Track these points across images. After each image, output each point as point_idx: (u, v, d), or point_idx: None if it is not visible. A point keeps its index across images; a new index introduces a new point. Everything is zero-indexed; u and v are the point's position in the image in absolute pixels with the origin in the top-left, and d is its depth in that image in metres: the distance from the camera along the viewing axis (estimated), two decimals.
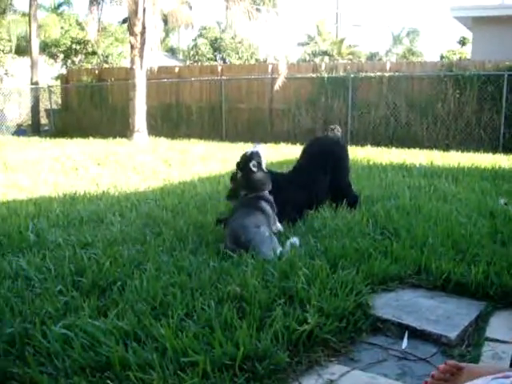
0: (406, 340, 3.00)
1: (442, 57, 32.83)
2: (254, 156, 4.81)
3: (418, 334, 3.07)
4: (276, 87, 17.47)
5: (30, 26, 25.76)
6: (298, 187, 5.63)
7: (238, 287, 3.34)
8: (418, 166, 10.19)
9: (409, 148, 14.60)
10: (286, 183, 5.52)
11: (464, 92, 15.72)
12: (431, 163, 10.68)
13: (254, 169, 4.70)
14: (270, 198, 4.74)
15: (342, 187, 6.10)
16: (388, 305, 3.40)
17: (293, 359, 2.73)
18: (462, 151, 14.14)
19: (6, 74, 27.79)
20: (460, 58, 29.89)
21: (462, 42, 33.27)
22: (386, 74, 16.89)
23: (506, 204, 6.07)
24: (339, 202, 5.88)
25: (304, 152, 6.25)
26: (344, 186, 6.15)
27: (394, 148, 14.63)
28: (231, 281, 3.49)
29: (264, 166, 4.91)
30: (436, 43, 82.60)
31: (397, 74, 16.87)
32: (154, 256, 4.09)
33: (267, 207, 4.62)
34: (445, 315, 3.27)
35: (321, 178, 5.86)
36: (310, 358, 2.78)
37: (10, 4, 33.30)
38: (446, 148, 14.89)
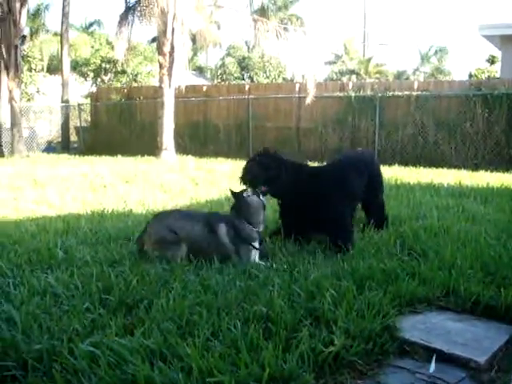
0: (433, 364, 2.95)
1: (470, 75, 32.58)
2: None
3: (446, 358, 3.01)
4: (307, 103, 17.45)
5: (61, 45, 26.26)
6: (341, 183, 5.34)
7: (264, 307, 3.33)
8: (446, 185, 10.08)
9: (437, 167, 14.47)
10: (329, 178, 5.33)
11: (493, 111, 15.56)
12: (459, 183, 10.57)
13: (246, 196, 4.83)
14: (244, 228, 4.69)
15: (377, 203, 5.99)
16: (415, 327, 3.36)
17: (318, 381, 2.71)
18: (491, 171, 13.93)
19: (37, 91, 28.32)
20: (489, 76, 29.64)
21: (491, 61, 32.99)
22: (414, 93, 16.81)
23: None
24: (369, 220, 5.83)
25: (341, 155, 6.21)
26: (379, 202, 6.05)
27: (421, 167, 14.51)
28: (257, 301, 3.48)
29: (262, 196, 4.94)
30: (464, 61, 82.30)
31: (424, 92, 16.78)
32: (181, 274, 4.10)
33: (221, 234, 4.64)
34: (473, 339, 3.22)
35: (360, 182, 5.60)
36: (336, 380, 2.76)
37: (43, 24, 34.08)
38: (475, 168, 14.70)
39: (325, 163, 6.11)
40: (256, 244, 4.69)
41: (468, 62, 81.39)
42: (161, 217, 5.01)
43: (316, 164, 14.87)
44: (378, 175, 6.11)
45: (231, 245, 4.61)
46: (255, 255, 4.66)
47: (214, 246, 4.58)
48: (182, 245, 4.59)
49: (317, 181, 5.24)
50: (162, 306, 3.43)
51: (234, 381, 2.52)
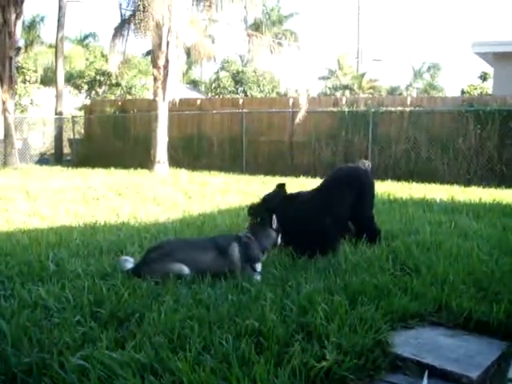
0: (425, 379, 2.94)
1: (462, 91, 32.80)
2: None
3: (438, 374, 3.01)
4: (297, 120, 17.60)
5: (56, 57, 26.29)
6: (322, 206, 5.63)
7: (255, 322, 3.32)
8: (438, 201, 10.12)
9: (429, 183, 14.54)
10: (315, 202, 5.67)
11: (485, 127, 15.66)
12: (452, 198, 10.61)
13: (274, 226, 4.96)
14: (256, 248, 4.77)
15: (364, 218, 6.06)
16: (407, 343, 3.35)
17: None
18: (484, 187, 13.98)
19: (31, 103, 28.31)
20: (481, 93, 29.87)
21: (483, 77, 33.24)
22: (407, 109, 16.92)
23: None
24: (360, 235, 5.87)
25: (330, 175, 6.28)
26: (367, 217, 6.10)
27: (414, 183, 14.57)
28: (249, 315, 3.47)
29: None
30: (457, 78, 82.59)
31: (417, 108, 16.89)
32: (173, 288, 4.08)
33: (235, 255, 4.63)
34: (466, 354, 3.21)
35: (345, 201, 5.80)
36: None
37: (38, 36, 34.14)
38: (467, 183, 14.77)
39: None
40: (258, 266, 4.71)
41: (460, 78, 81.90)
42: (166, 250, 4.67)
43: (309, 179, 14.94)
44: (367, 188, 6.16)
45: (239, 263, 4.62)
46: (259, 276, 4.63)
47: (223, 267, 4.52)
48: (190, 273, 4.45)
49: (303, 207, 5.61)
50: (154, 319, 3.41)
51: None
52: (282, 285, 4.21)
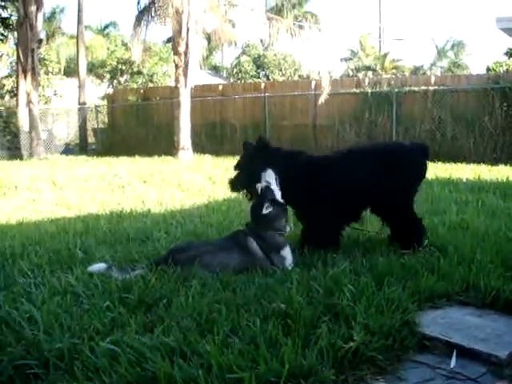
0: (454, 359, 2.92)
1: (488, 69, 32.22)
2: (267, 194, 4.46)
3: (466, 353, 2.99)
4: (320, 103, 17.48)
5: (77, 47, 26.45)
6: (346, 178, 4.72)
7: (282, 304, 3.33)
8: (464, 180, 10.01)
9: (455, 162, 14.37)
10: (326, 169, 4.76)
11: None
12: (478, 177, 10.49)
13: (266, 211, 4.36)
14: (272, 236, 4.38)
15: (397, 209, 4.86)
16: (435, 322, 3.34)
17: (338, 377, 2.70)
18: (511, 165, 13.79)
19: (54, 94, 28.57)
20: (507, 69, 29.33)
21: (509, 54, 32.61)
22: (431, 88, 16.71)
23: None
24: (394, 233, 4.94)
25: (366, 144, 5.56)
26: (400, 208, 4.86)
27: (439, 163, 14.40)
28: (276, 297, 3.48)
29: (278, 195, 4.51)
30: (482, 55, 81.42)
31: (442, 87, 16.66)
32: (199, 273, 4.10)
33: (255, 248, 4.31)
34: (494, 334, 3.18)
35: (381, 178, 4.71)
36: (356, 375, 2.75)
37: (59, 27, 34.40)
38: (494, 162, 14.56)
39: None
40: (286, 250, 4.39)
41: (485, 55, 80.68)
42: (190, 254, 4.26)
43: None
44: (404, 173, 4.80)
45: (265, 257, 4.31)
46: (290, 261, 4.35)
47: (249, 264, 4.22)
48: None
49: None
50: (181, 303, 3.44)
51: (253, 377, 2.52)
52: (308, 267, 4.21)
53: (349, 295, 3.44)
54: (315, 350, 2.80)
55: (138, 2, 18.53)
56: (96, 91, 32.01)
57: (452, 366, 2.87)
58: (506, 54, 33.09)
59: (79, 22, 26.15)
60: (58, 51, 32.34)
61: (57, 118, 25.40)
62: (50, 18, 33.70)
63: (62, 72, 31.17)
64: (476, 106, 16.01)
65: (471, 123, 16.04)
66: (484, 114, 15.81)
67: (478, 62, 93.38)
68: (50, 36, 33.40)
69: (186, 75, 17.67)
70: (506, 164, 14.02)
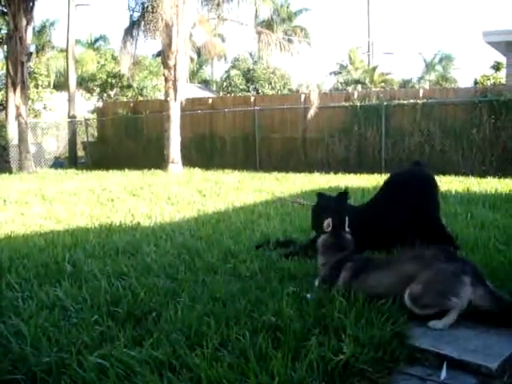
0: (444, 370, 2.92)
1: (475, 82, 32.51)
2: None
3: (456, 364, 2.98)
4: (309, 117, 17.56)
5: (67, 61, 26.45)
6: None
7: (272, 317, 3.32)
8: (453, 192, 10.05)
9: (444, 175, 14.40)
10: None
11: (499, 117, 15.55)
12: (467, 190, 10.54)
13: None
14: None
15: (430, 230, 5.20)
16: (425, 334, 3.33)
17: None
18: (499, 177, 13.87)
19: (44, 108, 28.50)
20: (494, 83, 29.59)
21: (496, 67, 32.91)
22: (420, 101, 16.82)
23: None
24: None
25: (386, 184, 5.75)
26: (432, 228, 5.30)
27: None
28: (266, 310, 3.47)
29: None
30: (469, 69, 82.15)
31: (430, 100, 16.79)
32: (189, 286, 4.09)
33: None
34: (484, 345, 3.18)
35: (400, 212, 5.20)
36: None
37: (49, 41, 34.40)
38: (483, 174, 14.65)
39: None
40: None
41: (473, 68, 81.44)
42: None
43: (323, 174, 14.91)
44: (422, 197, 5.42)
45: None
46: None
47: None
48: None
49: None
50: (171, 317, 3.42)
51: None
52: (299, 280, 4.20)
53: (339, 307, 3.43)
54: (305, 362, 2.78)
55: (131, 16, 18.62)
56: (86, 105, 31.98)
57: (442, 378, 2.86)
58: (493, 67, 33.43)
59: (69, 35, 26.17)
60: (47, 65, 32.28)
61: (46, 132, 25.35)
62: (40, 31, 33.66)
63: (52, 85, 31.11)
64: (464, 119, 16.14)
65: (460, 136, 16.17)
66: (472, 126, 15.95)
67: (466, 75, 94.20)
68: (40, 49, 33.32)
69: (175, 89, 17.72)
70: (494, 176, 14.12)
